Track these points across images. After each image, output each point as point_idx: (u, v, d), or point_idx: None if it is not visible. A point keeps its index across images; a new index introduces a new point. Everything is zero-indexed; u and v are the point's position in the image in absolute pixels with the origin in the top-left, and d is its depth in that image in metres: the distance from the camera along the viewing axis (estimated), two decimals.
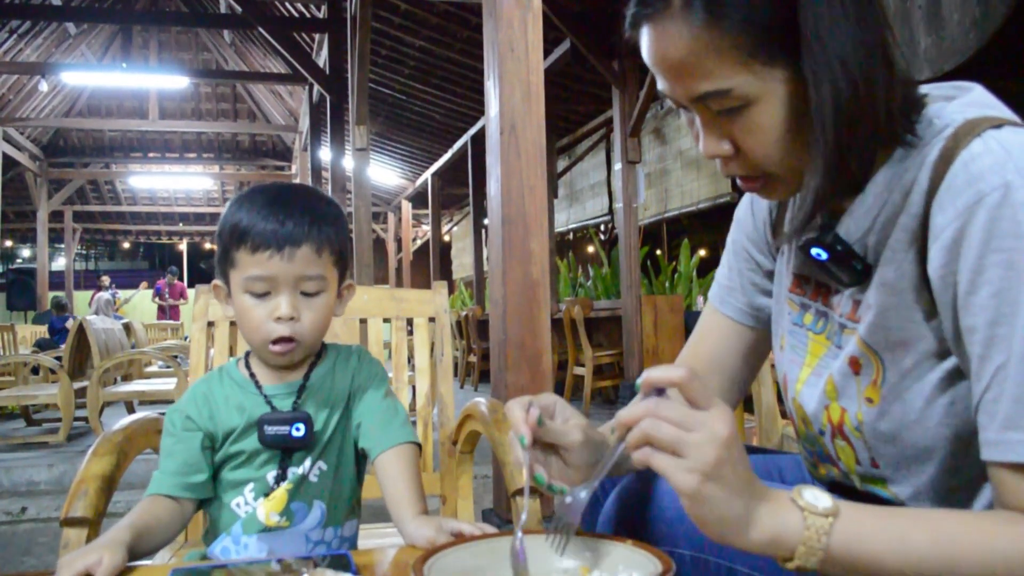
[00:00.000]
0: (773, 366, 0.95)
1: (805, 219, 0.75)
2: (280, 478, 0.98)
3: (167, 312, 13.52)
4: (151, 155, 16.09)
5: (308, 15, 9.05)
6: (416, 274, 15.95)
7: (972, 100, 0.73)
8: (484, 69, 2.81)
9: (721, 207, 7.61)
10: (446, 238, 15.52)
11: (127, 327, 6.87)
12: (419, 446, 1.05)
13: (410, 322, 1.63)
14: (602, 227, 10.89)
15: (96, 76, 11.47)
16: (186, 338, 10.16)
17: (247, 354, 1.06)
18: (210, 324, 1.51)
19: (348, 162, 7.60)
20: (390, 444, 1.01)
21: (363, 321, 1.59)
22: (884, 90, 0.70)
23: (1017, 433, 0.63)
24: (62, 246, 18.62)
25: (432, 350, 1.61)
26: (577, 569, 0.72)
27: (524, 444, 0.74)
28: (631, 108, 5.88)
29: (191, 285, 15.82)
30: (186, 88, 13.89)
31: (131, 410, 5.56)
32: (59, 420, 4.96)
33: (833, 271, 0.78)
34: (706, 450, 0.60)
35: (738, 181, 0.80)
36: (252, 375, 1.02)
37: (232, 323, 1.50)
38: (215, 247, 1.01)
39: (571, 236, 12.10)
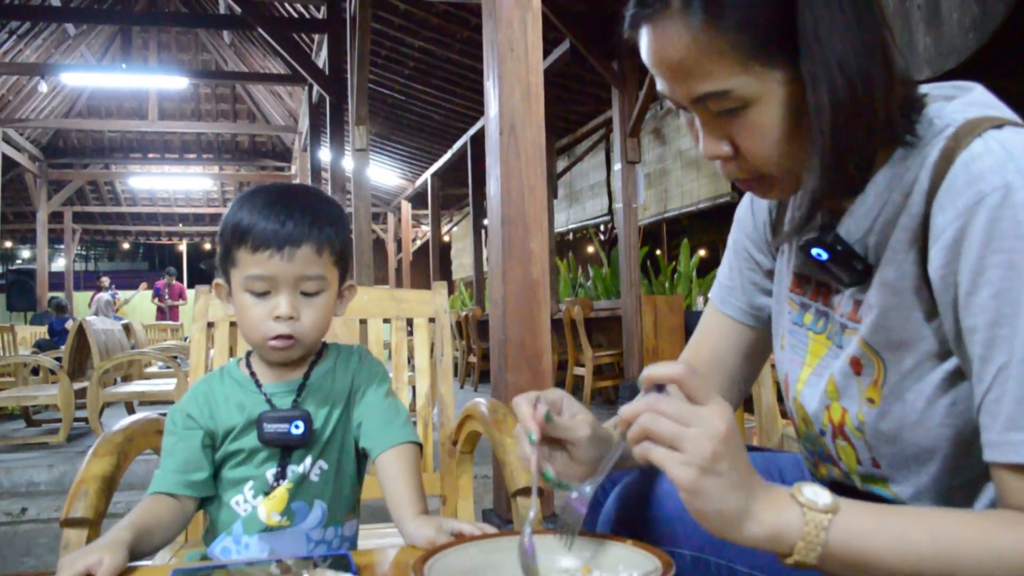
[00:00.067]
0: (773, 366, 0.96)
1: (803, 219, 0.75)
2: (279, 476, 0.99)
3: (166, 313, 13.52)
4: (151, 156, 16.10)
5: (307, 16, 9.06)
6: (416, 274, 15.96)
7: (973, 100, 0.73)
8: (484, 69, 2.81)
9: (721, 207, 7.61)
10: (446, 238, 15.52)
11: (127, 328, 6.86)
12: (420, 446, 1.05)
13: (410, 322, 1.63)
14: (602, 227, 10.90)
15: (96, 77, 11.48)
16: (186, 339, 10.15)
17: (248, 354, 1.06)
18: (210, 325, 1.51)
19: (348, 162, 7.60)
20: (391, 444, 1.01)
21: (363, 321, 1.60)
22: (883, 90, 0.70)
23: (1019, 434, 0.63)
24: (62, 247, 18.62)
25: (432, 350, 1.61)
26: (577, 569, 0.72)
27: (532, 440, 0.75)
28: (631, 108, 5.88)
29: (191, 286, 15.82)
30: (185, 89, 13.89)
31: (131, 411, 5.56)
32: (59, 421, 4.96)
33: (833, 271, 0.78)
34: (703, 444, 0.61)
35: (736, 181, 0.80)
36: (252, 374, 1.03)
37: (232, 324, 1.50)
38: (215, 247, 1.01)
39: (571, 236, 12.11)
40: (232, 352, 1.50)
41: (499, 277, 2.70)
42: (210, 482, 1.00)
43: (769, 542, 0.64)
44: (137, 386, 5.31)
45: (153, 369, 6.54)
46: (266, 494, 0.98)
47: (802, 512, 0.63)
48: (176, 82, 11.37)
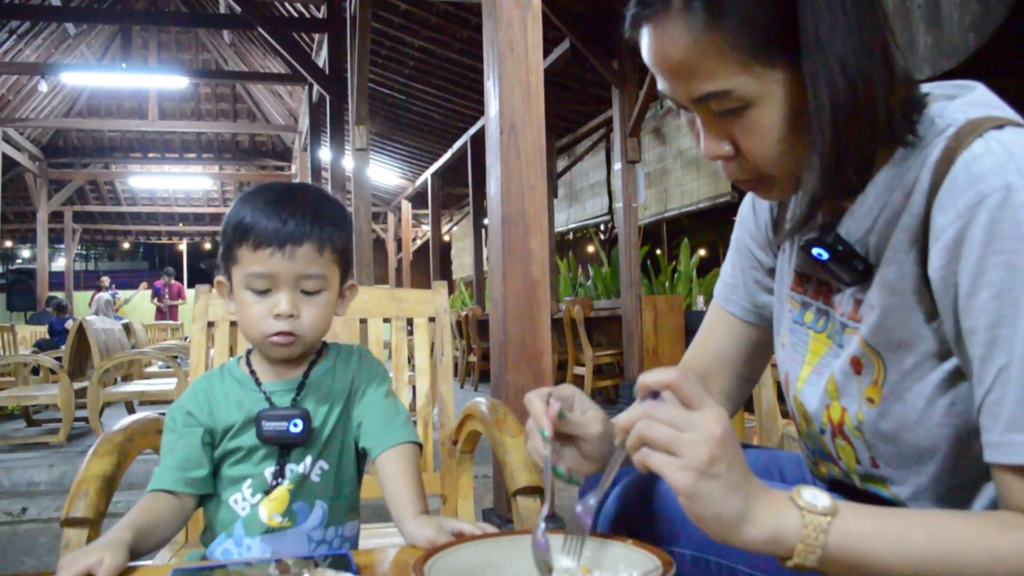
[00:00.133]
0: (774, 365, 0.96)
1: (804, 219, 0.75)
2: (278, 474, 0.99)
3: (166, 313, 13.53)
4: (151, 155, 16.09)
5: (308, 15, 9.05)
6: (416, 274, 15.96)
7: (974, 99, 0.73)
8: (484, 69, 2.81)
9: (721, 207, 7.61)
10: (446, 238, 15.52)
11: (127, 327, 6.86)
12: (420, 446, 1.05)
13: (410, 322, 1.63)
14: (602, 227, 10.90)
15: (96, 76, 11.47)
16: (186, 338, 10.15)
17: (248, 352, 1.06)
18: (210, 324, 1.51)
19: (348, 162, 7.60)
20: (391, 444, 1.02)
21: (363, 321, 1.60)
22: (883, 90, 0.70)
23: (1020, 435, 0.63)
24: (62, 247, 18.62)
25: (432, 350, 1.61)
26: (577, 568, 0.72)
27: (545, 437, 0.75)
28: (631, 108, 5.88)
29: (191, 285, 15.82)
30: (186, 88, 13.89)
31: (131, 410, 5.56)
32: (59, 420, 4.95)
33: (834, 271, 0.78)
34: (700, 448, 0.61)
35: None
36: (252, 372, 1.03)
37: (232, 323, 1.50)
38: (215, 246, 1.02)
39: (571, 236, 12.11)
40: (232, 351, 1.50)
41: (499, 277, 2.70)
42: (210, 480, 1.00)
43: (768, 545, 0.64)
44: (137, 386, 5.31)
45: (153, 369, 6.54)
46: (265, 493, 0.98)
47: (801, 515, 0.63)
48: (176, 82, 11.37)
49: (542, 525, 0.73)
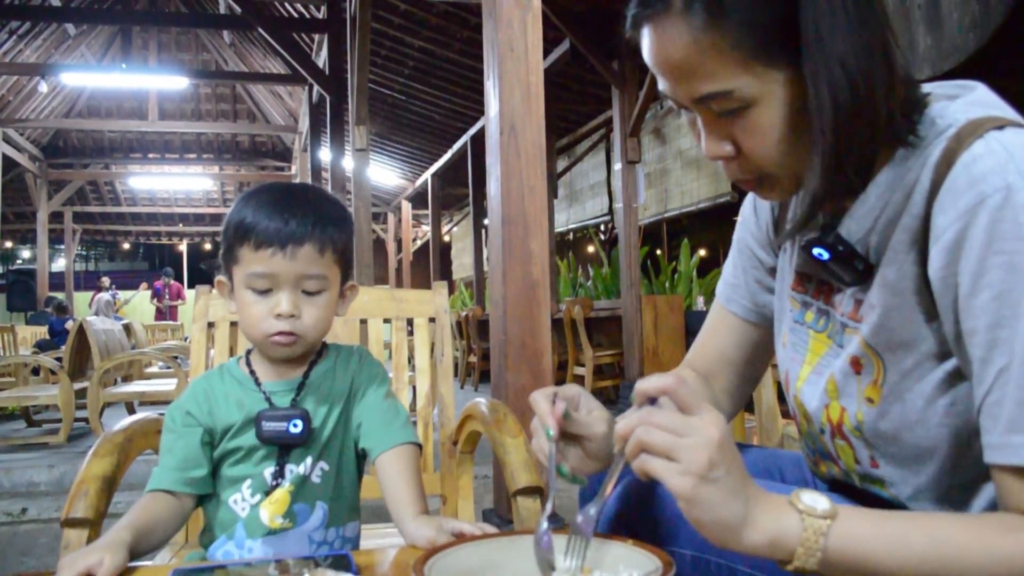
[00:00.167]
0: (774, 365, 0.96)
1: (804, 219, 0.75)
2: (278, 475, 0.99)
3: (165, 313, 13.53)
4: (151, 156, 16.09)
5: (307, 15, 9.05)
6: (416, 274, 15.95)
7: (975, 99, 0.73)
8: (484, 69, 2.81)
9: (721, 207, 7.61)
10: (446, 238, 15.51)
11: (127, 328, 6.86)
12: (420, 446, 1.06)
13: (410, 322, 1.63)
14: (602, 227, 10.90)
15: (96, 77, 11.47)
16: (186, 339, 10.16)
17: (248, 352, 1.06)
18: (210, 325, 1.51)
19: (348, 162, 7.59)
20: (391, 444, 1.02)
21: (363, 321, 1.60)
22: (884, 90, 0.70)
23: (1020, 436, 0.63)
24: (62, 247, 18.61)
25: (432, 350, 1.61)
26: (577, 568, 0.72)
27: (551, 436, 0.76)
28: (631, 108, 5.88)
29: (191, 286, 15.82)
30: (186, 89, 13.88)
31: (131, 411, 5.56)
32: (59, 421, 4.95)
33: (835, 271, 0.78)
34: (698, 453, 0.61)
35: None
36: (252, 372, 1.03)
37: (233, 323, 1.50)
38: (215, 247, 1.02)
39: (571, 236, 12.11)
40: (232, 352, 1.50)
41: (499, 277, 2.70)
42: (209, 480, 1.00)
43: (768, 549, 0.64)
44: (137, 386, 5.31)
45: (153, 369, 6.54)
46: (265, 493, 0.98)
47: (800, 518, 0.63)
48: (176, 82, 11.36)
49: (544, 524, 0.73)
